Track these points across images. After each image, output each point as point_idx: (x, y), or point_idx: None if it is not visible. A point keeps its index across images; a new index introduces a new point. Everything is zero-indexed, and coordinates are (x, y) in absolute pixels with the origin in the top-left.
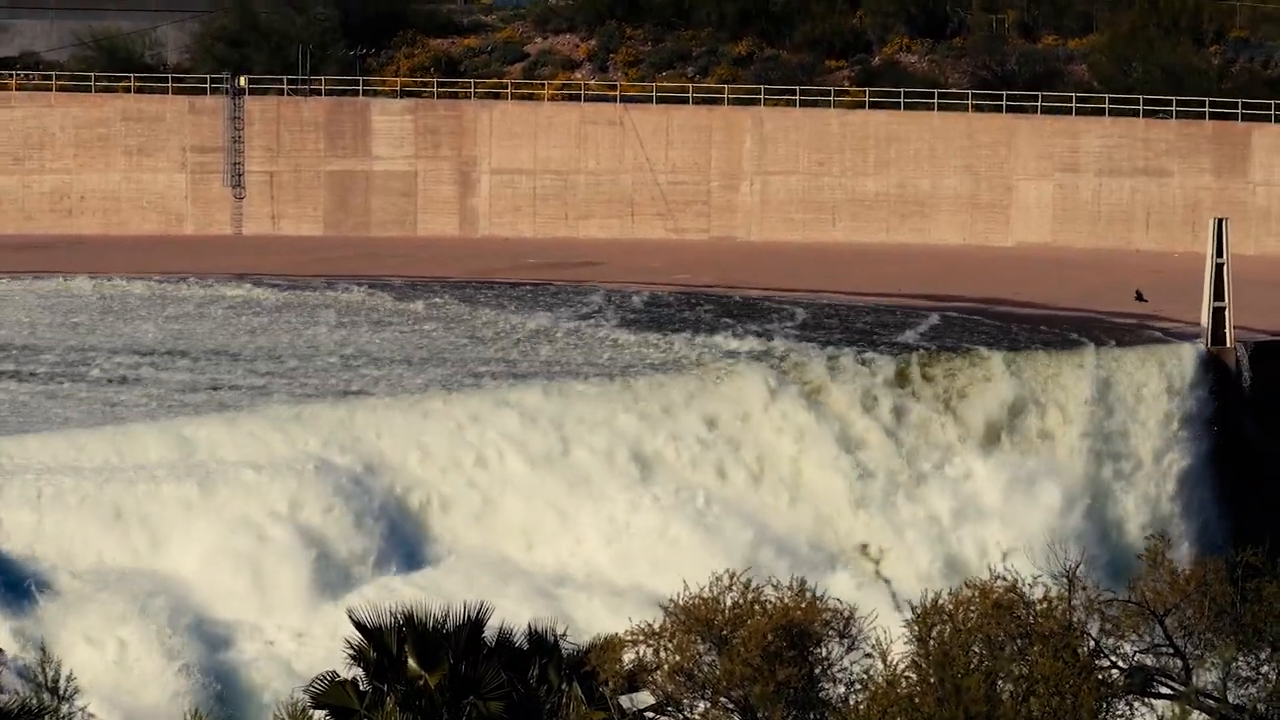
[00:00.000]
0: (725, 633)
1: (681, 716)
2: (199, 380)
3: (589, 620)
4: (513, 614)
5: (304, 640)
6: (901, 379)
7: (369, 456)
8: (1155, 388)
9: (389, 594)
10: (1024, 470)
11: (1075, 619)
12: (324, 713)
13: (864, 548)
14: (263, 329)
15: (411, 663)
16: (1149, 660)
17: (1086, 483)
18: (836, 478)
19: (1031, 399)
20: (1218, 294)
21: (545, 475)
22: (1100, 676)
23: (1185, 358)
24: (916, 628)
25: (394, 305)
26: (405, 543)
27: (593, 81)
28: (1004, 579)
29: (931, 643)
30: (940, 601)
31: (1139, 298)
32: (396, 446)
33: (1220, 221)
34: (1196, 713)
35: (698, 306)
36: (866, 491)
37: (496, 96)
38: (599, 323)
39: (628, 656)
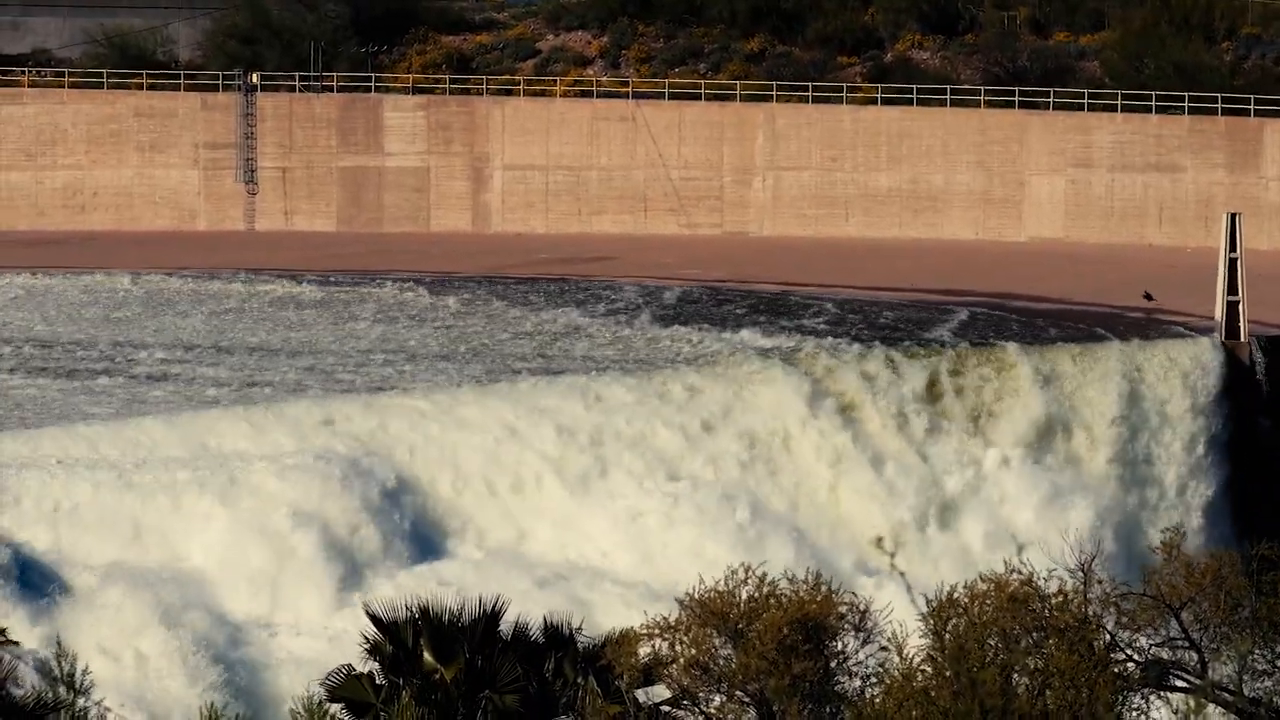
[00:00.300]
0: (740, 626)
1: (697, 710)
2: (240, 375)
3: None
4: (532, 610)
5: (320, 635)
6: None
7: (385, 451)
8: (1179, 384)
9: (406, 588)
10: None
11: (1091, 612)
12: (340, 706)
13: (879, 541)
14: (302, 324)
15: (427, 656)
16: (1165, 654)
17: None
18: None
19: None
20: (1231, 288)
21: (567, 468)
22: (1116, 670)
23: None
24: (932, 621)
25: (431, 300)
26: (423, 537)
27: (605, 78)
28: (1019, 572)
29: (947, 636)
30: (956, 595)
31: (1147, 297)
32: (413, 441)
33: (1233, 216)
34: (1212, 706)
35: (725, 303)
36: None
37: (509, 93)
38: (631, 319)
39: (643, 650)
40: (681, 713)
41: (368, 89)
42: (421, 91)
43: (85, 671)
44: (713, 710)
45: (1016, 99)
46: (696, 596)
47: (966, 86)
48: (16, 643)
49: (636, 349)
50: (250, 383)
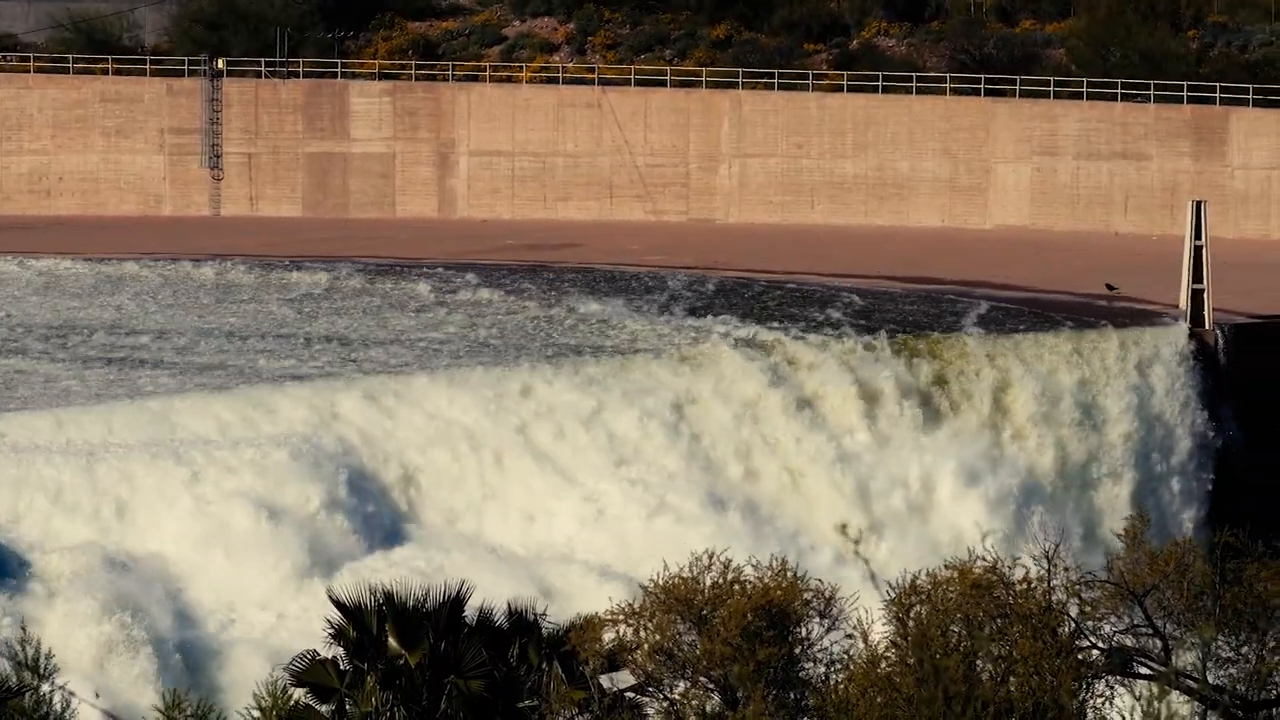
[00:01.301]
0: (705, 612)
1: (661, 696)
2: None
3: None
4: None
5: (284, 620)
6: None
7: (350, 435)
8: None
9: (370, 574)
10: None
11: (1055, 599)
12: (304, 692)
13: (844, 528)
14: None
15: (392, 642)
16: (1128, 641)
17: None
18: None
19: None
20: (1196, 276)
21: (530, 454)
22: (1080, 657)
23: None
24: (895, 608)
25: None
26: (387, 523)
27: (571, 64)
28: (983, 559)
29: (910, 623)
30: (918, 581)
31: (1110, 288)
32: (378, 425)
33: (1199, 204)
34: (1176, 693)
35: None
36: None
37: (475, 79)
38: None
39: (608, 636)
40: (645, 698)
41: (334, 75)
42: (388, 77)
43: (49, 656)
44: (677, 696)
45: (983, 87)
46: (661, 582)
47: (932, 74)
48: None
49: (607, 336)
50: (217, 367)
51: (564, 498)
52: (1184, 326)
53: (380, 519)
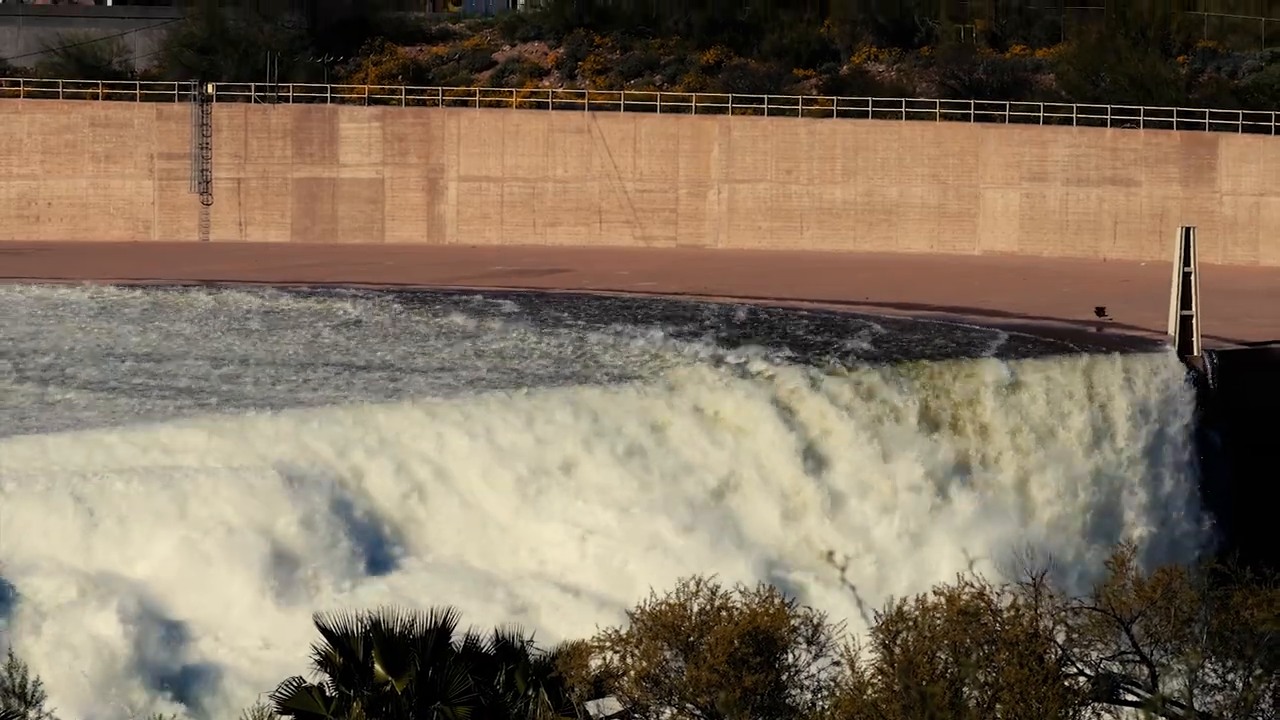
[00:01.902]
0: (692, 639)
1: None
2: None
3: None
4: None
5: (270, 647)
6: None
7: (335, 462)
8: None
9: (356, 600)
10: None
11: (1041, 626)
12: (290, 717)
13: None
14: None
15: (378, 668)
16: (1115, 667)
17: None
18: None
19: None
20: (1185, 302)
21: (520, 483)
22: (1066, 683)
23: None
24: (881, 635)
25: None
26: (374, 549)
27: (560, 89)
28: (971, 586)
29: (897, 649)
30: (905, 608)
31: (1099, 313)
32: (363, 453)
33: (1188, 230)
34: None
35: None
36: None
37: (464, 104)
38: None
39: (594, 662)
40: None
41: (323, 100)
42: (377, 102)
43: (36, 683)
44: None
45: (972, 112)
46: (648, 609)
47: (922, 99)
48: None
49: (598, 363)
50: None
51: (553, 524)
52: (1172, 352)
53: (368, 545)
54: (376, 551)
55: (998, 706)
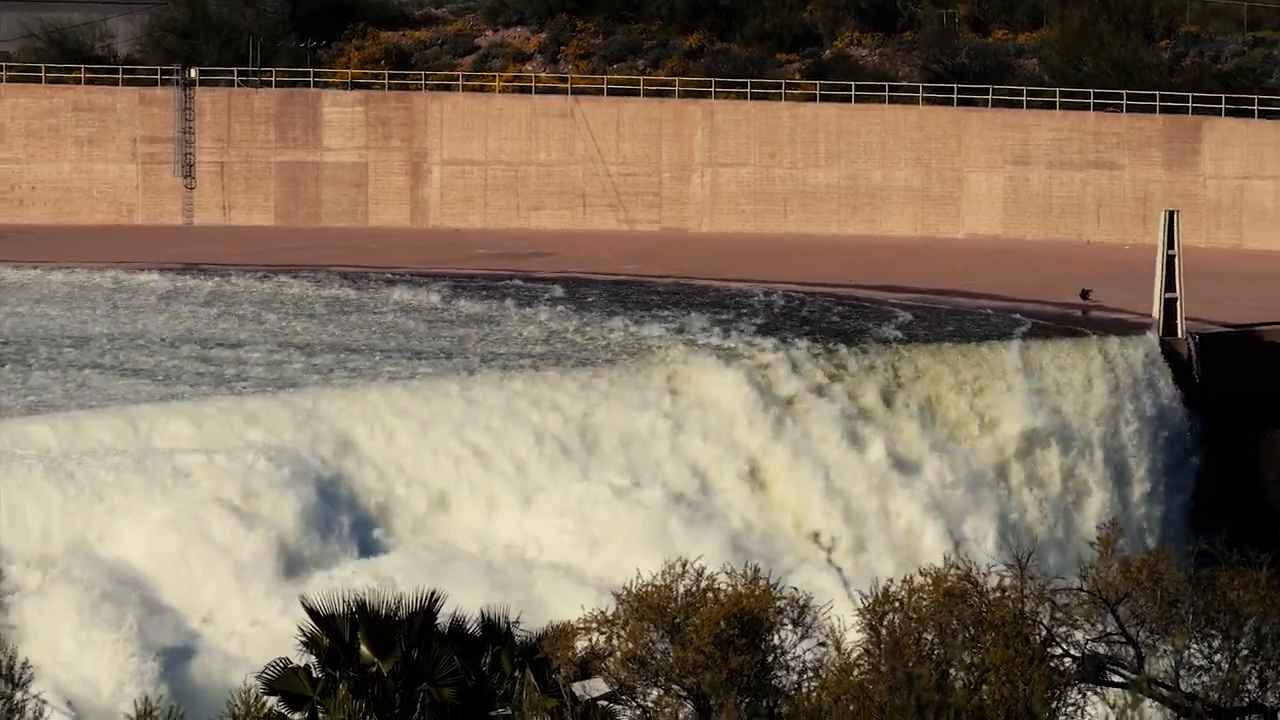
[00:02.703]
0: (678, 620)
1: (634, 704)
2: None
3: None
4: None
5: (256, 628)
6: None
7: (323, 445)
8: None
9: (342, 581)
10: None
11: (1027, 607)
12: (277, 699)
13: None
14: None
15: (364, 650)
16: (1101, 649)
17: None
18: None
19: None
20: (1169, 285)
21: (502, 462)
22: (1052, 665)
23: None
24: (868, 616)
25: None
26: (360, 531)
27: (543, 74)
28: (957, 567)
29: (883, 630)
30: (892, 589)
31: (1084, 295)
32: (351, 433)
33: (1171, 214)
34: (1148, 701)
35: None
36: None
37: (447, 88)
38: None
39: (580, 644)
40: (618, 706)
41: (306, 84)
42: (360, 87)
43: (25, 665)
44: (650, 704)
45: (955, 96)
46: (634, 590)
47: (905, 84)
48: None
49: (584, 343)
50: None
51: (541, 505)
52: (1155, 335)
53: (355, 527)
54: (364, 533)
55: (984, 688)
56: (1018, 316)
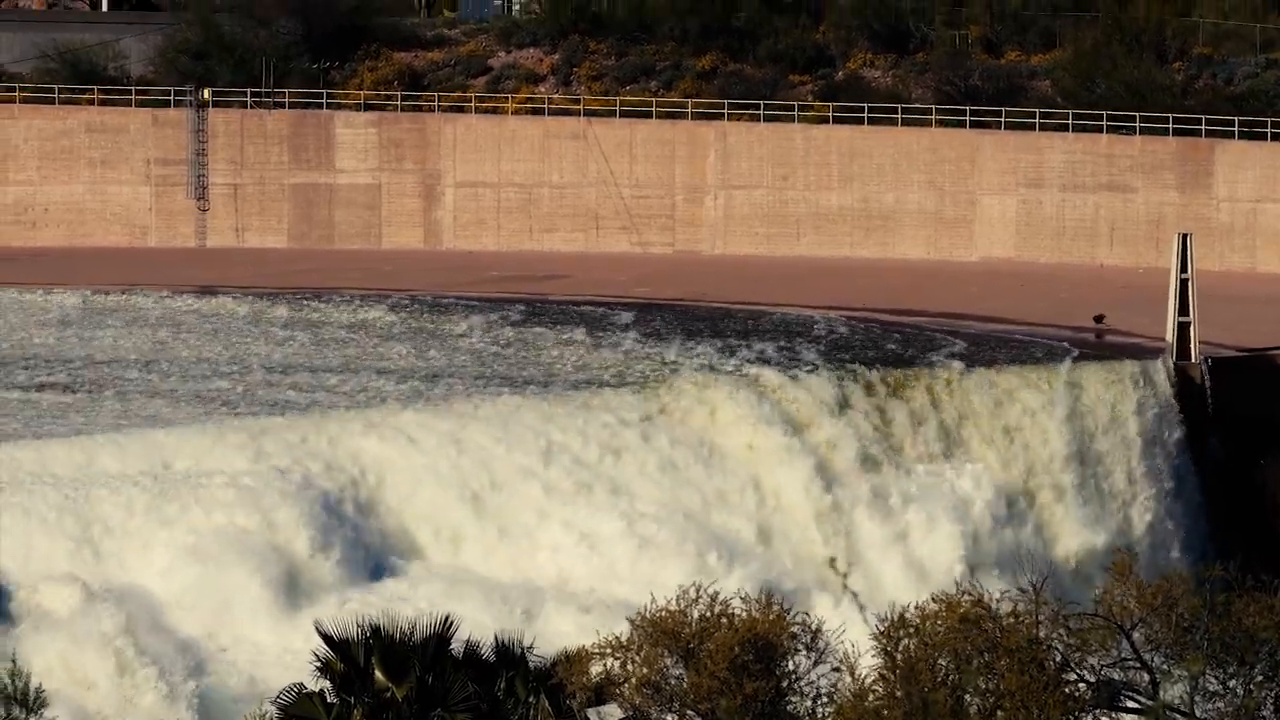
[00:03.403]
0: (693, 646)
1: None
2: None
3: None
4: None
5: (271, 653)
6: None
7: (337, 468)
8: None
9: (357, 607)
10: None
11: (1042, 633)
12: None
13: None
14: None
15: (379, 675)
16: (1116, 674)
17: None
18: None
19: None
20: (1182, 309)
21: (522, 488)
22: (1067, 690)
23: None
24: (883, 641)
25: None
26: (375, 556)
27: (556, 95)
28: (970, 593)
29: (898, 656)
30: (907, 615)
31: (1098, 320)
32: (365, 458)
33: (1184, 237)
34: None
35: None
36: None
37: (460, 110)
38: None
39: (595, 669)
40: None
41: (319, 105)
42: (373, 108)
43: (39, 690)
44: None
45: (968, 118)
46: (649, 616)
47: (918, 105)
48: None
49: (605, 366)
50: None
51: (555, 530)
52: (1170, 359)
53: (369, 552)
54: (379, 558)
55: (999, 713)
56: (1066, 345)
